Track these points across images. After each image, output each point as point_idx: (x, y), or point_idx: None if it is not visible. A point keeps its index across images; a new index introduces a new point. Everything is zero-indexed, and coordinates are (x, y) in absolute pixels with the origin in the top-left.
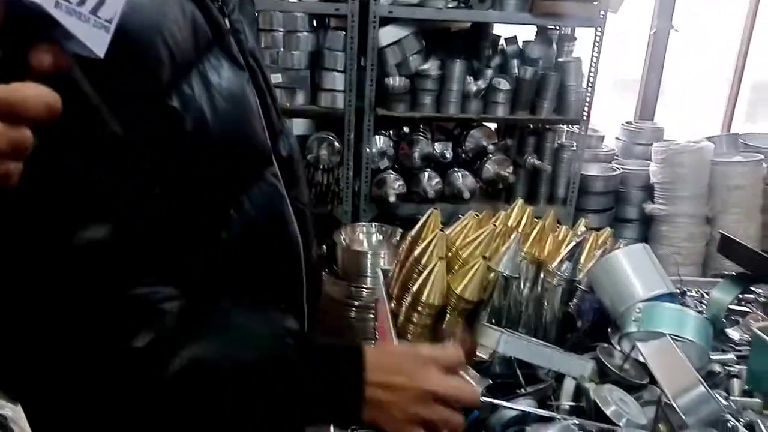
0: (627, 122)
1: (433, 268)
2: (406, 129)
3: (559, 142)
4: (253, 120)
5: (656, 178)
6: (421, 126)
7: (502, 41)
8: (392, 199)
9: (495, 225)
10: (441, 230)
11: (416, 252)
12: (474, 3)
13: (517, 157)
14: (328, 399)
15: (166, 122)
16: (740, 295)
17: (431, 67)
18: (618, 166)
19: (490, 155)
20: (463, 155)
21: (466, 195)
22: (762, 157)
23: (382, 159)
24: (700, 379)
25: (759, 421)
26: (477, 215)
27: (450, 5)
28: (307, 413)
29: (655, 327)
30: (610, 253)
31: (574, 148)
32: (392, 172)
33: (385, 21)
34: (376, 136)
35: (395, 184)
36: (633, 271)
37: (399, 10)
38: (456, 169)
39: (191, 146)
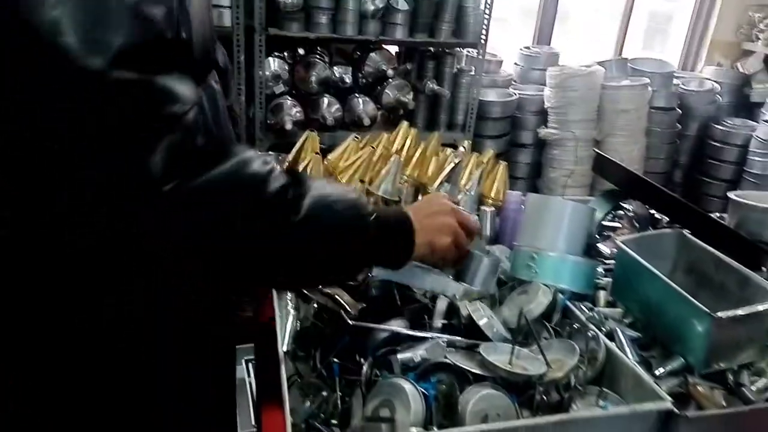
0: (525, 47)
1: None
2: (301, 51)
3: (458, 67)
4: (210, 28)
5: (549, 102)
6: (318, 48)
7: None
8: (289, 126)
9: (373, 148)
10: (317, 153)
11: None
12: None
13: (417, 81)
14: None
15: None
16: (613, 212)
17: None
18: (515, 91)
19: (390, 80)
20: (363, 80)
21: (367, 122)
22: (648, 81)
23: (276, 83)
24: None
25: (618, 329)
26: (357, 138)
27: None
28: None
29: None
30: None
31: (473, 73)
32: (288, 97)
33: None
34: (269, 59)
35: (292, 111)
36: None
37: None
38: (356, 95)
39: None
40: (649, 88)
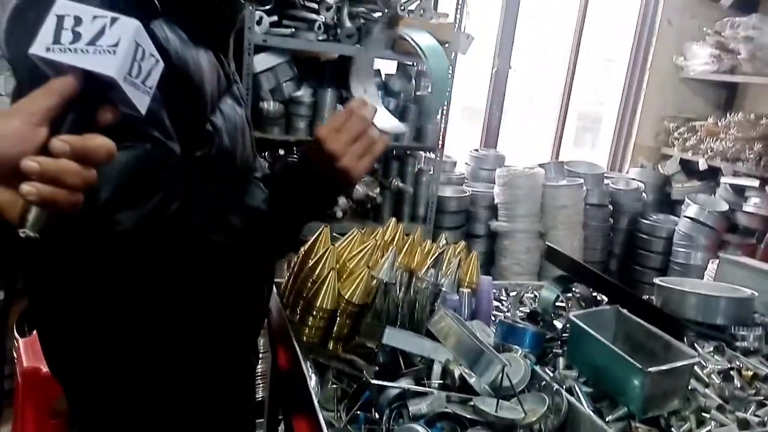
0: (474, 150)
1: (326, 277)
2: (281, 151)
3: (418, 166)
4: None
5: (499, 198)
6: (296, 149)
7: None
8: None
9: (375, 239)
10: (331, 245)
11: (310, 263)
12: (342, 37)
13: (383, 179)
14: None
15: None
16: (563, 294)
17: (304, 93)
18: (468, 188)
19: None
20: None
21: (339, 214)
22: (582, 181)
23: None
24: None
25: (575, 386)
26: (360, 231)
27: (320, 38)
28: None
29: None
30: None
31: (432, 173)
32: None
33: (259, 49)
34: None
35: None
36: None
37: (273, 40)
38: None
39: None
40: (584, 187)
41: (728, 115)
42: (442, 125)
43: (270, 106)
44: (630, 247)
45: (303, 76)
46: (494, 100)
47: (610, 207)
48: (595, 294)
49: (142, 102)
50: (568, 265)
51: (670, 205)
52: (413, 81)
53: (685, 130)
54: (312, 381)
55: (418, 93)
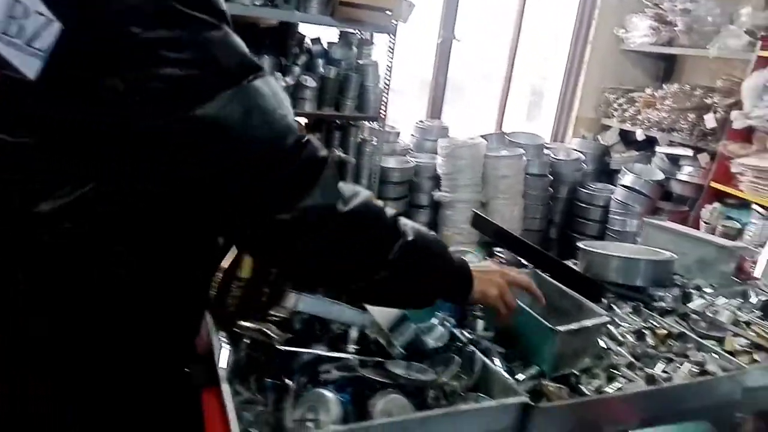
0: (419, 121)
1: None
2: None
3: (361, 137)
4: None
5: (441, 169)
6: None
7: (308, 40)
8: None
9: None
10: None
11: None
12: (279, 3)
13: None
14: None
15: None
16: (488, 259)
17: None
18: (411, 159)
19: None
20: None
21: None
22: (523, 151)
23: None
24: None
25: (491, 347)
26: None
27: (257, 2)
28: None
29: None
30: None
31: (375, 143)
32: None
33: None
34: None
35: None
36: None
37: None
38: None
39: None
40: (524, 158)
41: (664, 86)
42: (385, 94)
43: None
44: (569, 215)
45: None
46: (439, 71)
47: (550, 177)
48: (520, 259)
49: (29, 65)
50: (492, 232)
51: (609, 175)
52: (354, 49)
53: (624, 102)
54: (224, 352)
55: (359, 61)
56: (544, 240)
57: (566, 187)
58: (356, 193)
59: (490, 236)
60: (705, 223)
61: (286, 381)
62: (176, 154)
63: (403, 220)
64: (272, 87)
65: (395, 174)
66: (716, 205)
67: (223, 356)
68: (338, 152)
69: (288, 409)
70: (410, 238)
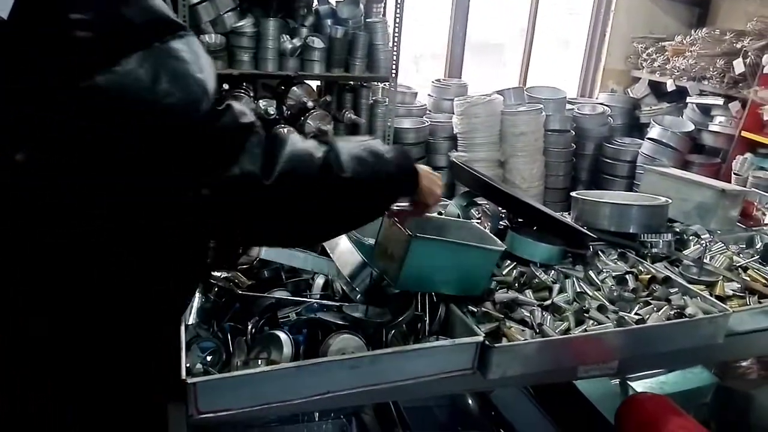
0: (436, 80)
1: None
2: (225, 86)
3: (373, 98)
4: None
5: (457, 128)
6: (244, 83)
7: (315, 1)
8: None
9: None
10: None
11: None
12: None
13: (337, 112)
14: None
15: None
16: (469, 208)
17: (246, 24)
18: (427, 119)
19: (312, 111)
20: (287, 112)
21: None
22: (541, 106)
23: None
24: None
25: None
26: None
27: None
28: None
29: None
30: None
31: (387, 104)
32: None
33: None
34: None
35: None
36: None
37: None
38: (282, 125)
39: None
40: (543, 113)
41: (693, 32)
42: (395, 53)
43: (210, 38)
44: (595, 172)
45: (245, 6)
46: (457, 21)
47: (573, 132)
48: (501, 210)
49: None
50: (471, 181)
51: (639, 129)
52: (362, 7)
53: (653, 51)
54: (194, 299)
55: (367, 20)
56: (568, 198)
57: (592, 143)
58: (281, 152)
59: (470, 186)
60: (735, 174)
61: (248, 324)
62: (92, 125)
63: (334, 155)
64: (194, 49)
65: (410, 135)
66: (748, 155)
67: (194, 304)
68: (350, 114)
69: (240, 350)
70: (346, 174)
